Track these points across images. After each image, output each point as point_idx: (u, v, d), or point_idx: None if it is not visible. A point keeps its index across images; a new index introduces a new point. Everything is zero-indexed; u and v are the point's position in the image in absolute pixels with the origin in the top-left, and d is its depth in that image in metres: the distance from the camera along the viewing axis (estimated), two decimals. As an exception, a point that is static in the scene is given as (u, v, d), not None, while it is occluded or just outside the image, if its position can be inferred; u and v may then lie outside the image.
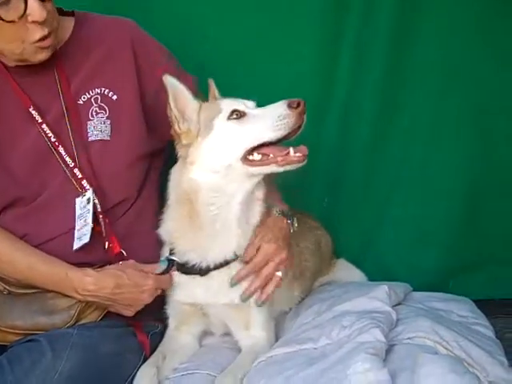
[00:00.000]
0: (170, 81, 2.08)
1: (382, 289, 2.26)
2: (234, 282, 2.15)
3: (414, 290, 2.59)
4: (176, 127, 2.12)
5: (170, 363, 2.18)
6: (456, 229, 2.89)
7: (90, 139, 2.20)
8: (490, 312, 2.49)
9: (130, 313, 2.13)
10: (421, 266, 2.84)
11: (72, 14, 2.30)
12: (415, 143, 2.91)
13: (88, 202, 2.12)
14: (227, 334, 2.32)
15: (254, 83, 2.82)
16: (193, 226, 2.12)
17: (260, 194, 2.16)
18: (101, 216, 2.14)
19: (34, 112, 2.17)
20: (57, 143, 2.17)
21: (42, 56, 2.11)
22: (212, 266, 2.14)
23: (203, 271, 2.14)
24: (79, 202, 2.14)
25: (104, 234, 2.14)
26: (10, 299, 2.11)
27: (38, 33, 2.03)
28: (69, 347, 1.97)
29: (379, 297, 2.21)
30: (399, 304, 2.33)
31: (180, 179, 2.13)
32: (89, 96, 2.22)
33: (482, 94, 2.86)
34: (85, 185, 2.15)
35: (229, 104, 2.12)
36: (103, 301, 2.09)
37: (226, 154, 2.05)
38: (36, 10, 1.98)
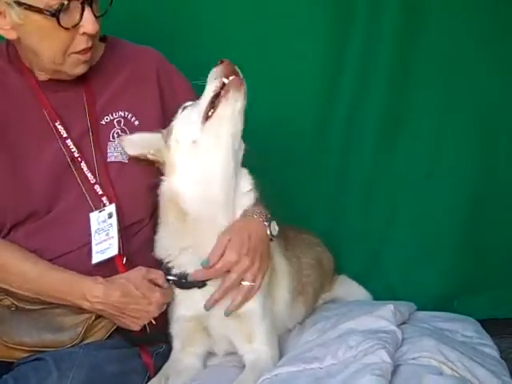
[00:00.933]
0: (127, 141, 2.23)
1: (388, 308, 2.25)
2: (208, 308, 2.16)
3: (418, 309, 2.58)
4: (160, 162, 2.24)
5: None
6: (460, 248, 2.90)
7: (109, 160, 2.24)
8: (495, 332, 2.48)
9: (136, 326, 2.13)
10: (425, 285, 2.84)
11: (103, 39, 2.37)
12: (418, 160, 2.93)
13: (110, 217, 2.14)
14: (231, 353, 2.32)
15: (258, 91, 2.85)
16: (185, 228, 2.16)
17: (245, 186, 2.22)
18: (118, 232, 2.16)
19: (60, 127, 2.21)
20: (79, 159, 2.20)
21: (80, 70, 2.18)
22: None
23: (200, 283, 2.16)
24: (95, 216, 2.16)
25: (121, 250, 2.16)
26: (17, 315, 2.11)
27: (83, 44, 2.10)
28: (75, 366, 1.97)
29: (385, 316, 2.20)
30: (404, 323, 2.33)
31: (163, 193, 2.22)
32: (112, 118, 2.27)
33: (485, 109, 2.89)
34: (104, 201, 2.18)
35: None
36: (111, 310, 2.09)
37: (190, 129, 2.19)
38: (90, 23, 2.06)
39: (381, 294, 2.84)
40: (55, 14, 2.01)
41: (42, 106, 2.23)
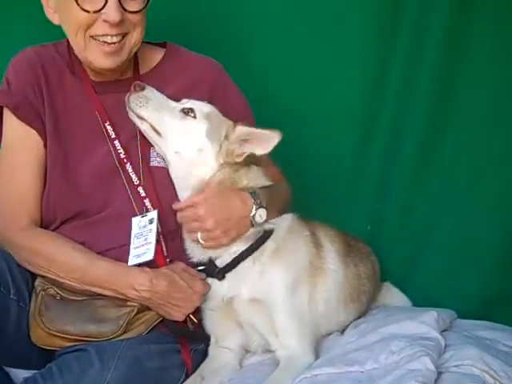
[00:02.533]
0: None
1: (431, 314, 2.24)
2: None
3: (458, 317, 2.55)
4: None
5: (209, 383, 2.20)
6: (501, 256, 2.83)
7: (151, 164, 2.28)
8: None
9: (180, 315, 2.17)
10: (465, 293, 2.79)
11: (164, 45, 2.42)
12: (460, 170, 2.88)
13: (150, 222, 2.19)
14: (267, 351, 2.32)
15: (300, 107, 2.93)
16: None
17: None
18: (161, 236, 2.22)
19: (109, 127, 2.26)
20: (125, 160, 2.25)
21: (105, 63, 2.20)
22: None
23: (220, 275, 2.22)
24: (137, 221, 2.21)
25: (165, 254, 2.22)
26: (62, 304, 2.15)
27: (105, 30, 2.12)
28: (116, 358, 2.00)
29: (428, 322, 2.18)
30: (446, 330, 2.30)
31: None
32: None
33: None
34: (147, 203, 2.23)
35: None
36: (157, 299, 2.13)
37: None
38: (112, 11, 2.09)
39: (418, 300, 2.81)
40: None
41: (94, 106, 2.28)
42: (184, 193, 2.23)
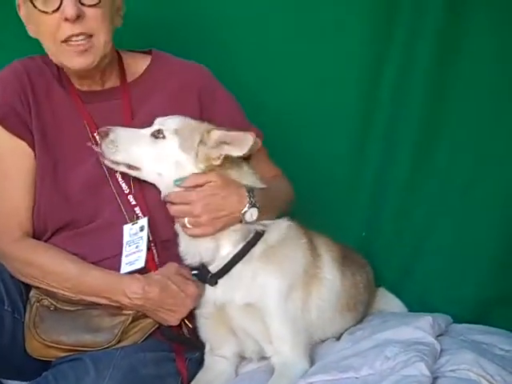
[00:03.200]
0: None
1: (426, 319, 2.23)
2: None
3: (454, 322, 2.55)
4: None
5: None
6: (497, 260, 2.83)
7: None
8: (533, 346, 2.43)
9: (174, 320, 2.17)
10: (460, 297, 2.78)
11: (150, 52, 2.44)
12: (455, 175, 2.88)
13: (141, 230, 2.19)
14: (262, 359, 2.31)
15: (295, 110, 2.92)
16: None
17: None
18: (152, 244, 2.22)
19: (98, 137, 2.24)
20: (114, 170, 2.25)
21: (79, 62, 2.21)
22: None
23: (214, 281, 2.21)
24: (128, 228, 2.21)
25: (157, 262, 2.22)
26: (56, 315, 2.15)
27: (68, 31, 2.14)
28: (111, 367, 1.99)
29: (423, 327, 2.18)
30: (441, 335, 2.30)
31: None
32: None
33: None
34: (137, 211, 2.24)
35: None
36: (150, 305, 2.13)
37: None
38: (69, 7, 2.11)
39: (413, 305, 2.80)
40: None
41: (82, 116, 2.30)
42: (166, 189, 2.24)
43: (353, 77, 2.91)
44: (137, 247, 2.17)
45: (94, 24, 2.18)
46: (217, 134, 2.19)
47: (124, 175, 2.26)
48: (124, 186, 2.25)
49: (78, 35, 2.16)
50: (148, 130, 2.25)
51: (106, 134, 2.20)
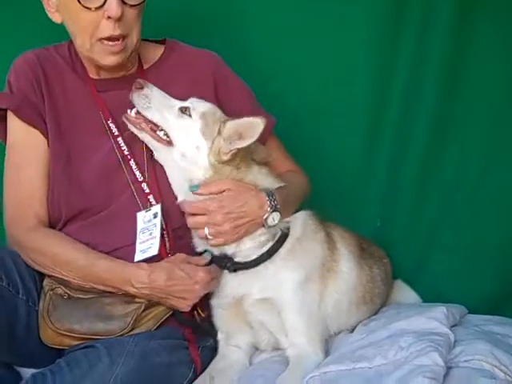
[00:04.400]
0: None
1: (441, 310, 2.22)
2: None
3: (469, 312, 2.53)
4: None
5: (218, 383, 2.19)
6: (510, 251, 2.82)
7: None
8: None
9: (185, 307, 2.17)
10: (474, 288, 2.77)
11: (163, 41, 2.46)
12: (468, 167, 2.87)
13: (155, 217, 2.19)
14: (276, 349, 2.32)
15: (305, 107, 2.93)
16: None
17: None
18: (165, 232, 2.22)
19: (112, 125, 2.27)
20: (129, 157, 2.27)
21: (111, 60, 2.22)
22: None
23: (232, 267, 2.20)
24: (142, 216, 2.21)
25: (168, 250, 2.23)
26: (69, 304, 2.16)
27: (109, 30, 2.15)
28: (124, 354, 2.01)
29: (437, 317, 2.16)
30: (455, 325, 2.28)
31: None
32: None
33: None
34: (151, 200, 2.24)
35: None
36: (158, 294, 2.13)
37: None
38: (113, 6, 2.10)
39: (428, 296, 2.80)
40: None
41: (96, 104, 2.30)
42: (182, 193, 2.23)
43: (366, 70, 2.91)
44: (150, 234, 2.17)
45: (132, 24, 2.20)
46: (231, 123, 2.19)
47: (138, 163, 2.26)
48: (138, 173, 2.26)
49: (116, 36, 2.16)
50: (178, 103, 2.25)
51: (141, 87, 2.20)
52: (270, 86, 2.88)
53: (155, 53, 2.44)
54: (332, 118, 2.95)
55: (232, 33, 2.87)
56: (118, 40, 2.18)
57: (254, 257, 2.21)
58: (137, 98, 2.21)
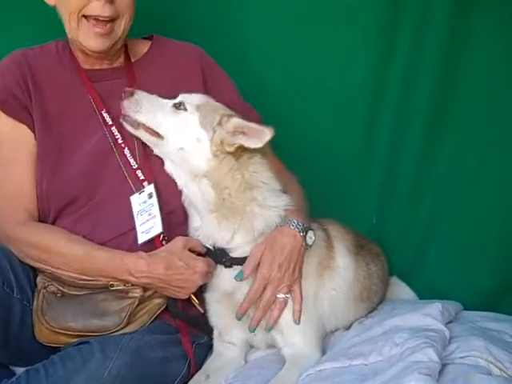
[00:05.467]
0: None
1: (436, 306, 2.22)
2: (240, 316, 2.19)
3: (465, 309, 2.54)
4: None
5: (214, 381, 2.19)
6: (507, 247, 2.81)
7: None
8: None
9: (183, 295, 2.18)
10: (470, 284, 2.77)
11: (150, 38, 2.48)
12: (465, 160, 2.86)
13: (150, 197, 2.20)
14: (271, 346, 2.31)
15: (302, 100, 2.92)
16: None
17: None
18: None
19: (105, 115, 2.29)
20: (123, 145, 2.27)
21: (94, 43, 2.24)
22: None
23: (228, 262, 2.21)
24: (136, 198, 2.22)
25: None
26: (63, 301, 2.15)
27: (98, 9, 2.17)
28: (118, 350, 2.00)
29: (432, 314, 2.17)
30: (451, 322, 2.29)
31: None
32: None
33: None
34: (145, 186, 2.23)
35: None
36: (157, 283, 2.14)
37: None
38: None
39: (424, 293, 2.80)
40: None
41: (88, 94, 2.31)
42: (183, 182, 2.25)
43: (364, 60, 2.90)
44: (149, 214, 2.18)
45: (123, 9, 2.22)
46: (237, 121, 2.21)
47: (132, 151, 2.27)
48: (132, 161, 2.27)
49: (104, 17, 2.18)
50: (170, 101, 2.27)
51: (131, 94, 2.23)
52: (267, 75, 2.89)
53: (143, 47, 2.47)
54: (327, 111, 2.94)
55: (228, 26, 2.88)
56: (105, 23, 2.19)
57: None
58: (128, 104, 2.24)
